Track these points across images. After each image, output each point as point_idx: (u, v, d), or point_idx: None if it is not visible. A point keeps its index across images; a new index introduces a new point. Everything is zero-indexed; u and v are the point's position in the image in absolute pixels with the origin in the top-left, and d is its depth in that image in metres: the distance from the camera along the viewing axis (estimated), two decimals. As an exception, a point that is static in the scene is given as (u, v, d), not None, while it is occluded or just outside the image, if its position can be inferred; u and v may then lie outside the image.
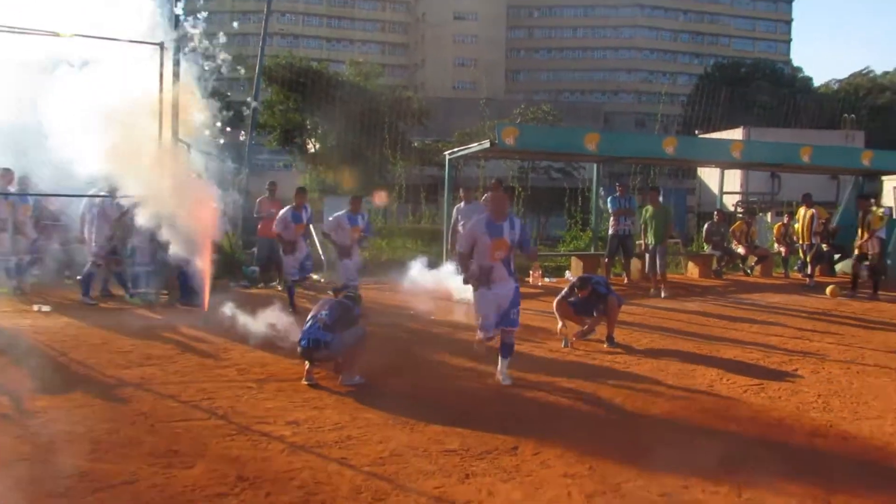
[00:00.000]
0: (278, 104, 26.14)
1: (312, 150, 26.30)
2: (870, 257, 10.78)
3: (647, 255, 11.04)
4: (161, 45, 5.81)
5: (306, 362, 5.39)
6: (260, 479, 3.54)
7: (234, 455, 3.87)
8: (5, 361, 5.83)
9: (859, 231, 10.83)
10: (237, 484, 3.47)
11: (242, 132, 12.75)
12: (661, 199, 11.33)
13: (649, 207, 11.04)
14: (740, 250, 13.73)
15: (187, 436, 4.15)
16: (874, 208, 11.18)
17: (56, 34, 4.82)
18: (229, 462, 3.76)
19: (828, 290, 10.89)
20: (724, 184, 16.30)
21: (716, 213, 14.24)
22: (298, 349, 5.38)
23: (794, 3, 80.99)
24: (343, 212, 8.83)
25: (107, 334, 7.03)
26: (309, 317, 5.50)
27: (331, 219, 8.99)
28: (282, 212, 8.83)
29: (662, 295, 10.53)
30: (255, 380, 5.50)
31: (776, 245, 14.17)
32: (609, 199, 11.89)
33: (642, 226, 11.22)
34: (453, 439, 4.20)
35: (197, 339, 6.90)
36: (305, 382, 5.33)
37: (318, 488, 3.45)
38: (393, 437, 4.21)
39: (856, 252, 11.00)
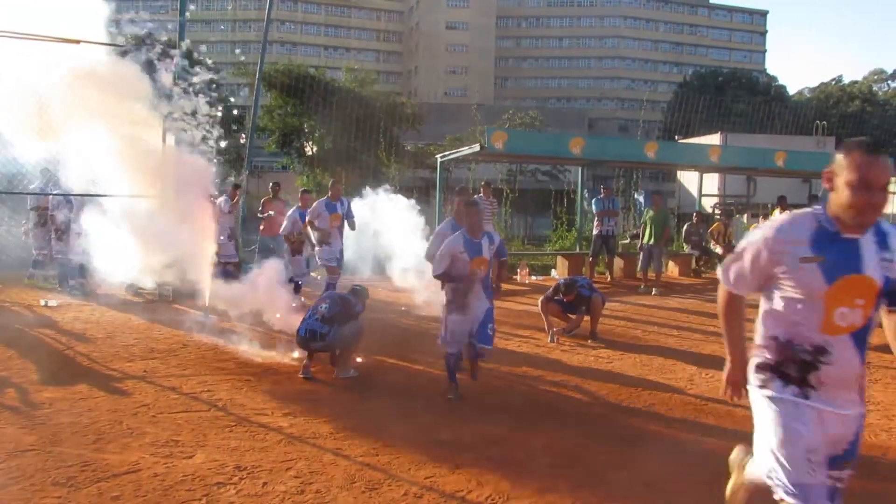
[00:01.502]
0: (277, 109, 26.46)
1: (310, 153, 26.47)
2: None
3: (641, 254, 11.44)
4: (167, 53, 5.90)
5: (304, 356, 5.52)
6: (257, 468, 3.62)
7: (232, 445, 3.95)
8: (13, 354, 5.87)
9: None
10: (235, 473, 3.55)
11: (243, 135, 12.85)
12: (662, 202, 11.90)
13: (650, 210, 11.47)
14: (718, 250, 14.01)
15: (188, 426, 4.22)
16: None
17: (63, 40, 4.87)
18: (228, 452, 3.84)
19: None
20: (703, 186, 16.64)
21: (695, 214, 14.53)
22: (297, 338, 5.55)
23: (768, 16, 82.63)
24: (459, 234, 5.12)
25: (112, 329, 7.08)
26: (310, 308, 5.67)
27: (442, 248, 5.10)
28: (441, 227, 6.68)
29: (653, 292, 10.85)
30: (254, 373, 5.58)
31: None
32: (594, 201, 12.17)
33: (642, 226, 11.62)
34: (444, 431, 4.30)
35: (198, 333, 6.92)
36: (301, 376, 5.43)
37: (314, 478, 3.53)
38: (386, 429, 4.31)
39: None
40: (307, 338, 5.40)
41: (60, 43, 5.33)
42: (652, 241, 11.26)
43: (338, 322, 5.41)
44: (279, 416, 4.51)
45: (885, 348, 7.15)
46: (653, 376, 5.90)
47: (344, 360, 5.51)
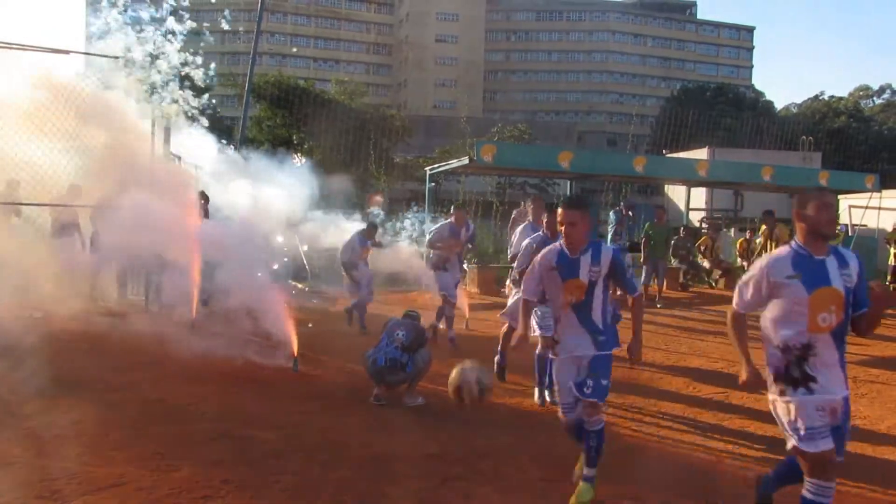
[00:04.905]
0: (266, 120, 26.53)
1: (298, 165, 26.66)
2: None
3: (644, 268, 11.52)
4: (157, 62, 5.91)
5: (374, 382, 5.16)
6: (245, 481, 3.59)
7: (219, 458, 3.91)
8: (-2, 366, 5.77)
9: (768, 244, 11.43)
10: (222, 486, 3.52)
11: (231, 147, 12.81)
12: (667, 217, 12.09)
13: (652, 223, 11.64)
14: (705, 264, 14.16)
15: (174, 439, 4.18)
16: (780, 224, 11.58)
17: (53, 50, 4.87)
18: (215, 465, 3.80)
19: None
20: (690, 201, 16.80)
21: (682, 228, 14.65)
22: (369, 367, 5.14)
23: (755, 32, 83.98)
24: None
25: (97, 340, 6.94)
26: (382, 335, 5.34)
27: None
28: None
29: (658, 305, 10.96)
30: (241, 385, 5.53)
31: (739, 259, 14.63)
32: (612, 213, 12.42)
33: (642, 238, 11.70)
34: (433, 444, 4.30)
35: (185, 345, 6.77)
36: (374, 402, 5.12)
37: (302, 492, 3.51)
38: (375, 442, 4.30)
39: None
40: (387, 367, 5.03)
41: (50, 53, 5.33)
42: (656, 255, 11.44)
43: (413, 350, 5.13)
44: (266, 428, 4.47)
45: (871, 363, 7.21)
46: (641, 390, 5.92)
47: (414, 387, 5.24)
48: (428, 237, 8.02)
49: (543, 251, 3.72)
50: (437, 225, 8.17)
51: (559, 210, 3.60)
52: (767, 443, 4.64)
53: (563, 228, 3.55)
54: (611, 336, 3.67)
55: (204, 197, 9.77)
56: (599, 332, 3.60)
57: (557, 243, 3.64)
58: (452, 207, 8.33)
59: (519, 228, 7.12)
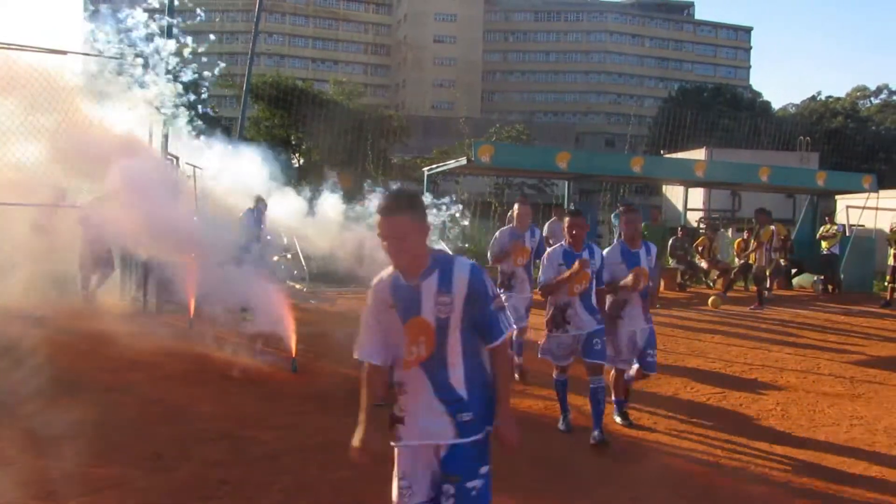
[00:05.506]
0: (264, 121, 26.54)
1: (297, 165, 26.66)
2: (754, 269, 11.39)
3: None
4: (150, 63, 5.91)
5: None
6: (242, 483, 3.58)
7: (217, 459, 3.91)
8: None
9: (752, 243, 11.48)
10: (220, 487, 3.51)
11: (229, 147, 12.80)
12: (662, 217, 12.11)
13: (647, 223, 11.67)
14: (703, 264, 14.18)
15: (172, 440, 4.18)
16: (769, 225, 11.60)
17: (50, 51, 4.86)
18: (213, 466, 3.80)
19: (710, 301, 11.34)
20: (688, 201, 16.83)
21: (680, 228, 14.68)
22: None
23: (752, 33, 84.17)
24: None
25: (95, 341, 6.90)
26: None
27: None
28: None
29: (657, 306, 11.00)
30: (240, 385, 5.52)
31: (737, 259, 14.66)
32: (614, 215, 12.51)
33: None
34: (431, 444, 4.31)
35: (182, 345, 6.78)
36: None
37: (300, 493, 3.51)
38: (373, 442, 4.29)
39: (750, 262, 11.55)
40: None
41: (47, 53, 5.33)
42: None
43: None
44: (265, 429, 4.47)
45: (868, 363, 7.21)
46: (638, 391, 5.90)
47: None
48: (490, 252, 6.45)
49: (375, 281, 2.41)
50: (497, 232, 6.53)
51: (378, 219, 2.24)
52: (766, 442, 4.65)
53: (384, 245, 2.24)
54: (481, 408, 2.37)
55: (261, 202, 9.63)
56: (461, 403, 2.33)
57: (391, 268, 2.33)
58: (516, 205, 6.54)
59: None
